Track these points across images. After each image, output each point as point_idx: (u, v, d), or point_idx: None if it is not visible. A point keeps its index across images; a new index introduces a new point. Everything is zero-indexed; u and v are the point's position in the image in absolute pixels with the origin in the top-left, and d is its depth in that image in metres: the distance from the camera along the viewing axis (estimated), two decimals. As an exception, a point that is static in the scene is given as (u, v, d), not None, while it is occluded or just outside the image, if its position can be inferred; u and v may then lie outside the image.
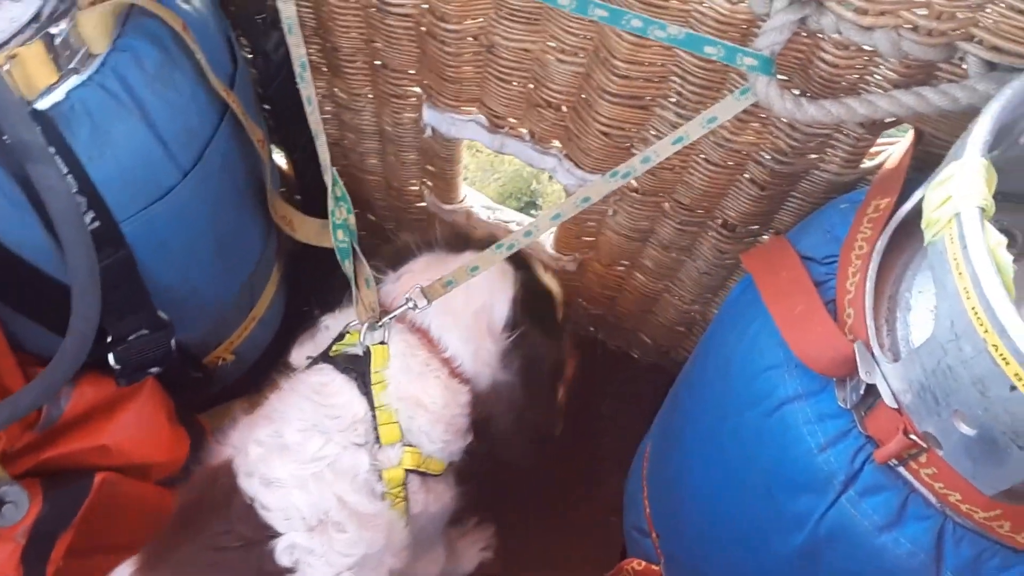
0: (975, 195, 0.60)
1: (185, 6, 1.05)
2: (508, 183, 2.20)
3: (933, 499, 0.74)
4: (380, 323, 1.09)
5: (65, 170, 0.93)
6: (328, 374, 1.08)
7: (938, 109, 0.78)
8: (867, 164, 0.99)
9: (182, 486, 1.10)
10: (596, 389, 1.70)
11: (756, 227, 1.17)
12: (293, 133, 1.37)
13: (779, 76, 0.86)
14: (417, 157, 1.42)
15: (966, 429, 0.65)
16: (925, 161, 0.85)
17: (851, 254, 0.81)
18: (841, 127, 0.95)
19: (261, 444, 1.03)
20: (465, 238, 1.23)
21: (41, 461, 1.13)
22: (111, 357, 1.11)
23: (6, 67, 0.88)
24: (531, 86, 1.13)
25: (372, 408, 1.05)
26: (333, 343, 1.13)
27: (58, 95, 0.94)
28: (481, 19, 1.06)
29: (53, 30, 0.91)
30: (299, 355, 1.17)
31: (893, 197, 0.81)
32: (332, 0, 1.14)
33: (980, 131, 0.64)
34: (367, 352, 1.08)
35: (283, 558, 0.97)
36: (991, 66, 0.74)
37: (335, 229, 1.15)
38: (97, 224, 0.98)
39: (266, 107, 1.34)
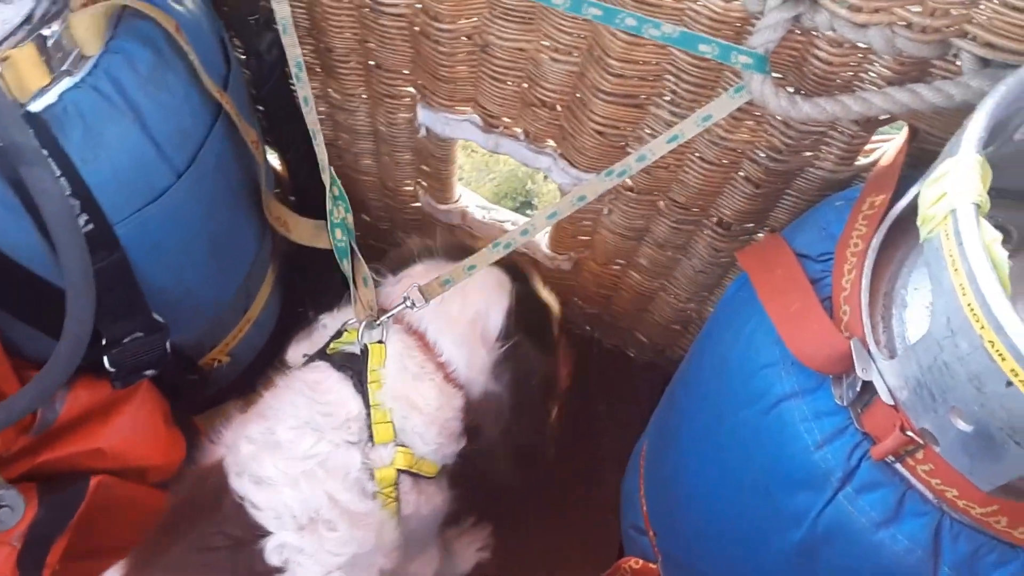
0: (971, 192, 0.60)
1: (178, 7, 1.05)
2: (503, 183, 2.20)
3: (930, 495, 0.74)
4: (378, 321, 1.10)
5: (58, 172, 0.92)
6: (324, 371, 1.09)
7: (932, 106, 0.78)
8: (862, 161, 0.99)
9: (174, 487, 1.10)
10: (592, 388, 1.70)
11: (751, 225, 1.17)
12: (287, 134, 1.37)
13: (773, 74, 0.86)
14: (412, 157, 1.42)
15: (963, 425, 0.65)
16: (919, 158, 0.85)
17: (846, 251, 0.81)
18: (836, 124, 0.95)
19: (253, 441, 1.03)
20: (465, 249, 1.23)
21: (36, 465, 1.13)
22: (106, 360, 1.11)
23: (-2, 69, 0.87)
24: (525, 85, 1.13)
25: (367, 406, 1.05)
26: (330, 341, 1.13)
27: (51, 97, 0.93)
28: (475, 18, 1.06)
29: (45, 32, 0.90)
30: (296, 353, 1.17)
31: (888, 194, 0.81)
32: (325, 0, 1.14)
33: (975, 128, 0.64)
34: (364, 350, 1.08)
35: (273, 557, 0.97)
36: (985, 63, 0.74)
37: (333, 228, 1.15)
38: (91, 227, 0.97)
39: (259, 108, 1.34)
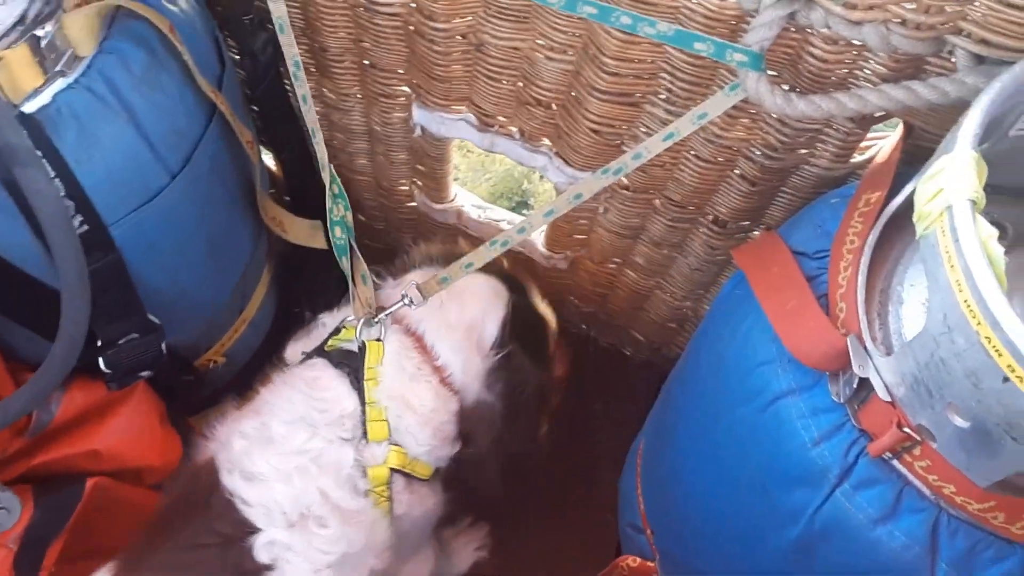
0: (966, 188, 0.60)
1: (171, 7, 1.05)
2: (499, 183, 2.20)
3: (927, 492, 0.74)
4: (376, 319, 1.10)
5: (52, 173, 0.92)
6: (321, 368, 1.09)
7: (927, 103, 0.78)
8: (857, 159, 0.99)
9: (166, 486, 1.10)
10: (589, 386, 1.70)
11: (747, 223, 1.17)
12: (282, 134, 1.37)
13: (769, 72, 0.86)
14: (407, 157, 1.41)
15: (960, 421, 0.65)
16: (915, 155, 0.85)
17: (842, 248, 0.81)
18: (831, 122, 0.95)
19: (246, 437, 1.03)
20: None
21: (32, 467, 1.13)
22: (101, 361, 1.10)
23: (-8, 70, 0.87)
24: (520, 84, 1.13)
25: (362, 403, 1.05)
26: (328, 338, 1.13)
27: (44, 98, 0.93)
28: (470, 17, 1.06)
29: (38, 32, 0.90)
30: (294, 350, 1.17)
31: (884, 191, 0.81)
32: (320, 0, 1.14)
33: (970, 124, 0.64)
34: (362, 348, 1.08)
35: (262, 555, 0.97)
36: (979, 59, 0.74)
37: (332, 226, 1.16)
38: (85, 228, 0.97)
39: (254, 108, 1.34)
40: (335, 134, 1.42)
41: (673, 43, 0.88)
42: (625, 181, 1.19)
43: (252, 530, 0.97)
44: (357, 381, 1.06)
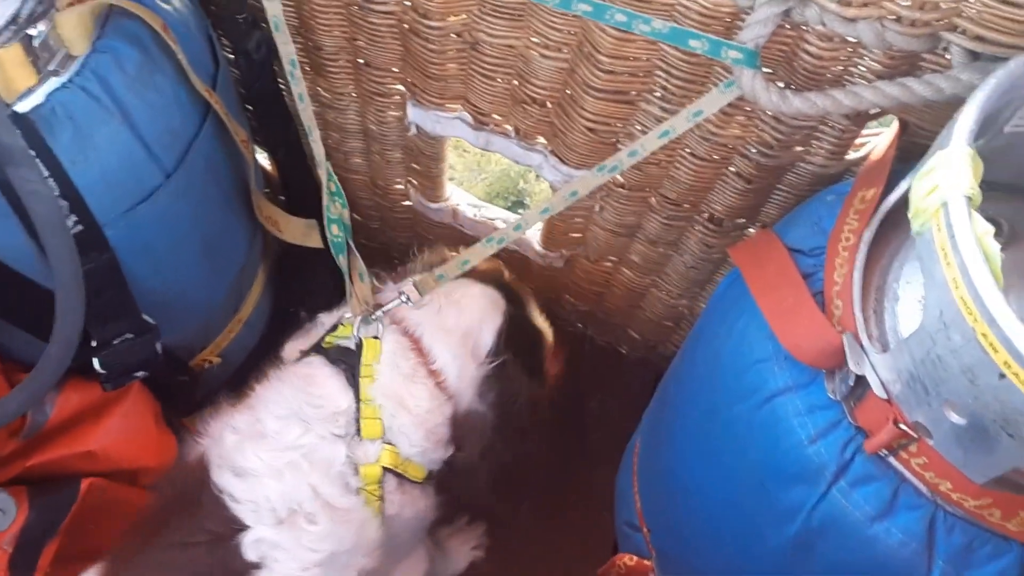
0: (962, 184, 0.60)
1: (165, 6, 1.04)
2: (495, 183, 2.20)
3: (924, 488, 0.74)
4: (373, 316, 1.10)
5: (46, 173, 0.92)
6: (317, 365, 1.09)
7: (922, 99, 0.78)
8: (852, 156, 0.99)
9: (157, 484, 1.09)
10: (585, 385, 1.70)
11: (743, 221, 1.17)
12: (276, 133, 1.37)
13: (764, 69, 0.86)
14: (402, 155, 1.41)
15: (956, 418, 0.65)
16: (910, 152, 0.85)
17: (838, 245, 0.81)
18: (826, 119, 0.95)
19: (237, 431, 1.03)
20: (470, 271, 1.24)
21: (27, 468, 1.12)
22: (96, 362, 1.10)
23: (-16, 70, 0.87)
24: (515, 82, 1.13)
25: (357, 401, 1.05)
26: (326, 334, 1.13)
27: (38, 98, 0.93)
28: (464, 15, 1.06)
29: (31, 32, 0.90)
30: (292, 349, 1.17)
31: (879, 188, 0.81)
32: (314, -2, 1.14)
33: (966, 120, 0.64)
34: (359, 345, 1.08)
35: (250, 553, 0.96)
36: (974, 56, 0.74)
37: (330, 223, 1.16)
38: (80, 228, 0.97)
39: (248, 107, 1.33)
40: (330, 133, 1.42)
41: (668, 40, 0.88)
42: (621, 179, 1.19)
43: (241, 528, 0.97)
44: (353, 378, 1.06)
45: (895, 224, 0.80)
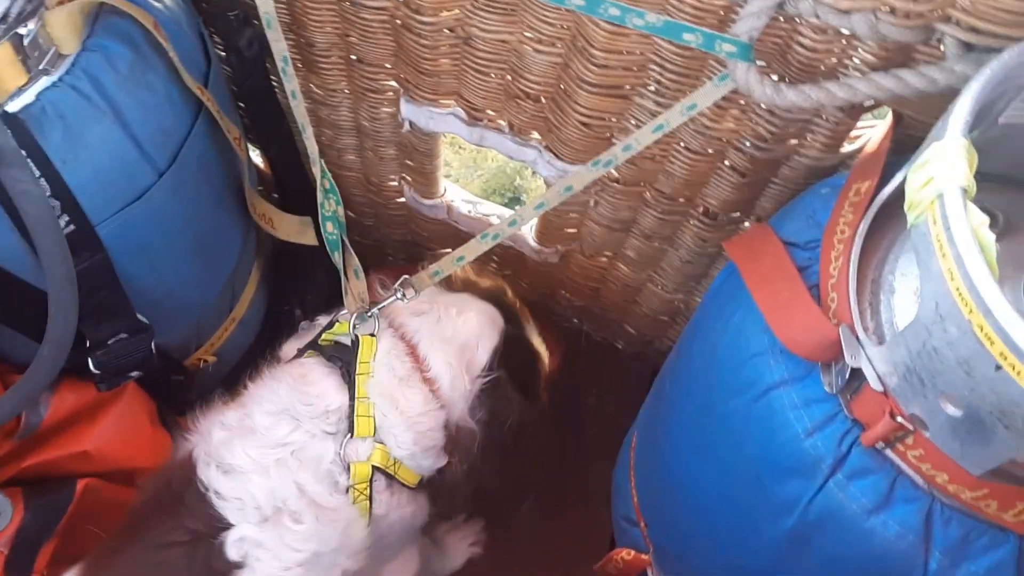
0: (957, 176, 0.60)
1: (156, 4, 1.04)
2: (491, 179, 2.20)
3: (920, 481, 0.74)
4: (369, 313, 1.10)
5: (38, 173, 0.91)
6: (311, 364, 1.09)
7: (917, 91, 0.78)
8: (847, 148, 0.99)
9: (143, 483, 1.09)
10: (581, 380, 1.70)
11: (738, 214, 1.17)
12: (269, 130, 1.36)
13: (758, 62, 0.85)
14: (396, 152, 1.41)
15: (952, 410, 0.65)
16: (905, 144, 0.85)
17: (833, 238, 0.81)
18: (820, 112, 0.95)
19: (227, 428, 1.03)
20: (472, 287, 1.25)
21: (22, 469, 1.12)
22: (91, 362, 1.10)
23: (-27, 69, 0.86)
24: (509, 78, 1.12)
25: (352, 398, 1.05)
26: (322, 332, 1.13)
27: (28, 97, 0.92)
28: (457, 11, 1.06)
29: (21, 31, 0.89)
30: (290, 348, 1.17)
31: (874, 180, 0.81)
32: (306, -5, 1.13)
33: (960, 112, 0.64)
34: (355, 342, 1.08)
35: (232, 552, 0.96)
36: (968, 47, 0.74)
37: (324, 221, 1.15)
38: (72, 228, 0.96)
39: (241, 105, 1.33)
40: (323, 130, 1.41)
41: (662, 34, 0.87)
42: (615, 174, 1.19)
43: (225, 526, 0.96)
44: (349, 375, 1.06)
45: (890, 216, 0.80)
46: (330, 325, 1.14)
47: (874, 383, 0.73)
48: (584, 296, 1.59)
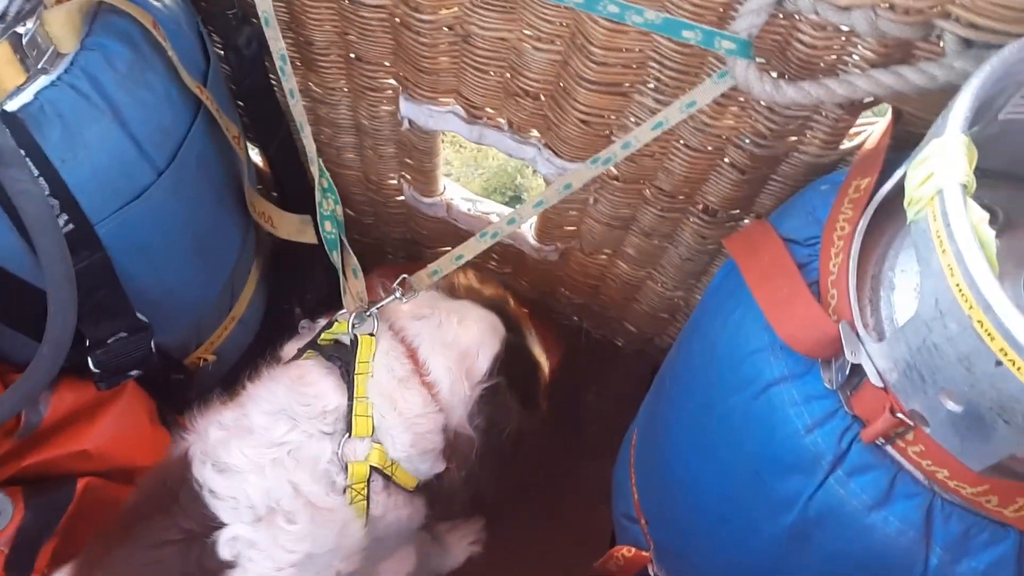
0: (957, 172, 0.60)
1: (155, 2, 1.04)
2: (492, 178, 2.20)
3: (921, 476, 0.74)
4: (368, 312, 1.10)
5: (36, 173, 0.91)
6: (310, 365, 1.08)
7: (916, 88, 0.78)
8: (847, 145, 0.99)
9: (138, 482, 1.08)
10: (581, 378, 1.70)
11: (737, 211, 1.17)
12: (268, 129, 1.36)
13: (757, 59, 0.85)
14: (395, 150, 1.41)
15: (952, 406, 0.65)
16: (905, 140, 0.85)
17: (833, 235, 0.81)
18: (820, 108, 0.95)
19: (224, 427, 1.02)
20: (474, 294, 1.25)
21: (22, 468, 1.12)
22: (90, 361, 1.10)
23: (-28, 68, 0.86)
24: (508, 75, 1.12)
25: (351, 397, 1.04)
26: (321, 331, 1.13)
27: (27, 96, 0.92)
28: (456, 8, 1.06)
29: (19, 30, 0.89)
30: (291, 348, 1.16)
31: (873, 177, 0.81)
32: (304, -7, 1.13)
33: (960, 108, 0.64)
34: (354, 341, 1.08)
35: (224, 551, 0.95)
36: (968, 44, 0.74)
37: (323, 220, 1.15)
38: (71, 227, 0.96)
39: (240, 104, 1.33)
40: (322, 128, 1.41)
41: (661, 31, 0.87)
42: (615, 171, 1.18)
43: (218, 525, 0.96)
44: (348, 375, 1.05)
45: (890, 213, 0.80)
46: (329, 325, 1.14)
47: (874, 379, 0.73)
48: (584, 294, 1.59)
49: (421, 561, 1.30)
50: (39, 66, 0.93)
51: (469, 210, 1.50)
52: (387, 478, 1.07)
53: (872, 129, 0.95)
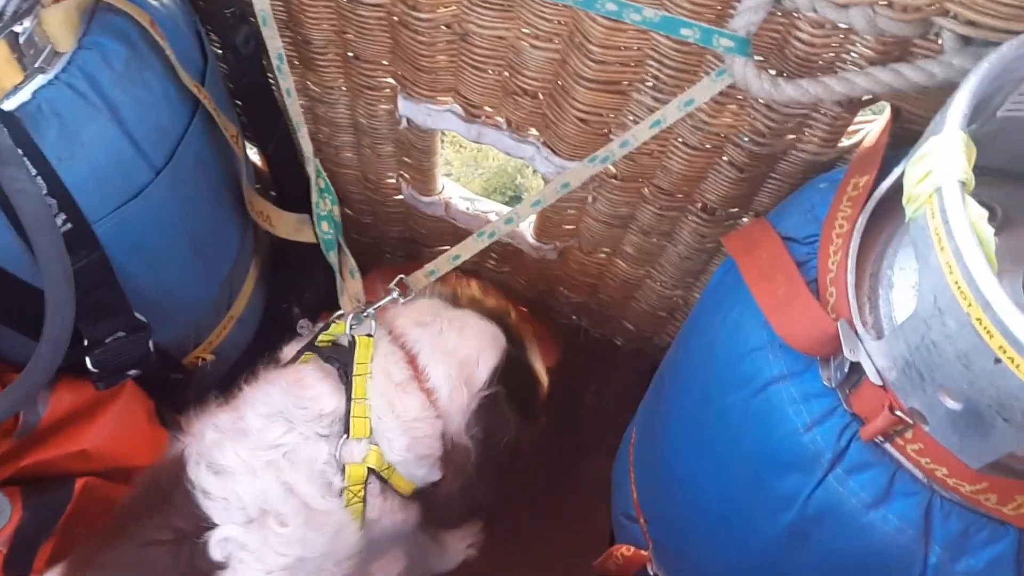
0: (955, 169, 0.60)
1: (152, 1, 1.04)
2: (492, 178, 2.20)
3: (920, 475, 0.74)
4: (365, 313, 1.09)
5: (34, 172, 0.91)
6: (307, 368, 1.08)
7: (915, 85, 0.78)
8: (845, 143, 0.99)
9: (132, 482, 1.08)
10: (580, 377, 1.70)
11: (736, 210, 1.17)
12: (266, 128, 1.36)
13: (755, 57, 0.85)
14: (393, 149, 1.41)
15: (951, 404, 0.65)
16: (903, 138, 0.85)
17: (832, 233, 0.81)
18: (818, 106, 0.95)
19: (219, 429, 1.02)
20: (477, 305, 1.25)
21: (21, 468, 1.12)
22: (88, 360, 1.10)
23: (-31, 67, 0.86)
24: (506, 74, 1.12)
25: (349, 399, 1.04)
26: (319, 332, 1.12)
27: (24, 95, 0.92)
28: (454, 7, 1.05)
29: (17, 28, 0.89)
30: (290, 350, 1.16)
31: (872, 175, 0.81)
32: (302, -8, 1.13)
33: (959, 105, 0.64)
34: (352, 343, 1.08)
35: (215, 552, 0.95)
36: (966, 41, 0.74)
37: (319, 220, 1.15)
38: (69, 226, 0.96)
39: (237, 102, 1.33)
40: (320, 127, 1.41)
41: (659, 29, 0.87)
42: (613, 170, 1.18)
43: (209, 526, 0.96)
44: (346, 376, 1.05)
45: (888, 211, 0.80)
46: (327, 326, 1.14)
47: (873, 377, 0.73)
48: (583, 292, 1.59)
49: (414, 562, 1.30)
50: (36, 65, 0.92)
51: (467, 209, 1.50)
52: (384, 481, 1.06)
53: (870, 127, 0.95)
